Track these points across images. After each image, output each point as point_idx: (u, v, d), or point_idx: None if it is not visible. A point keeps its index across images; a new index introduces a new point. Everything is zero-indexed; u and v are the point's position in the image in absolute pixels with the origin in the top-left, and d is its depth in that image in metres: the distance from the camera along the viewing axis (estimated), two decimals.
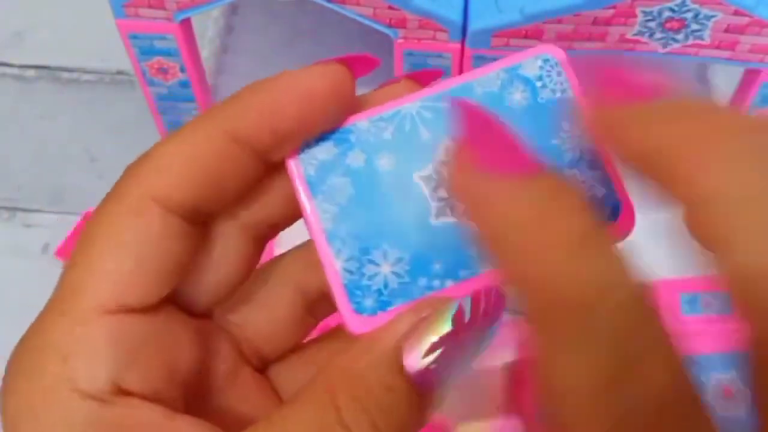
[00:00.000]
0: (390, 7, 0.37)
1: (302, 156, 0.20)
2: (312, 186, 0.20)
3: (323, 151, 0.21)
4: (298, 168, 0.20)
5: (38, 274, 0.49)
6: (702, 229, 0.14)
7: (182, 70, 0.43)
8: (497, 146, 0.16)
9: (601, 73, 0.17)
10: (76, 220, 0.48)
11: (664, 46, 0.37)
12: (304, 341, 0.24)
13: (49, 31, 0.59)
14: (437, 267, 0.20)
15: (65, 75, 0.57)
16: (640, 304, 0.14)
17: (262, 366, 0.23)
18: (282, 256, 0.23)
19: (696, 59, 0.38)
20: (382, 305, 0.19)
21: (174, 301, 0.20)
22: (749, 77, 0.40)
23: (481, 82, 0.21)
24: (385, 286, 0.20)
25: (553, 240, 0.14)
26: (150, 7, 0.40)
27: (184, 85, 0.44)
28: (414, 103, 0.21)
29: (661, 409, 0.13)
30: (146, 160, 0.19)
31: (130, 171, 0.19)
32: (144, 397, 0.18)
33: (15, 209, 0.52)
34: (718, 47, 0.37)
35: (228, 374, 0.22)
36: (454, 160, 0.16)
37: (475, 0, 0.38)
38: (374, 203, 0.20)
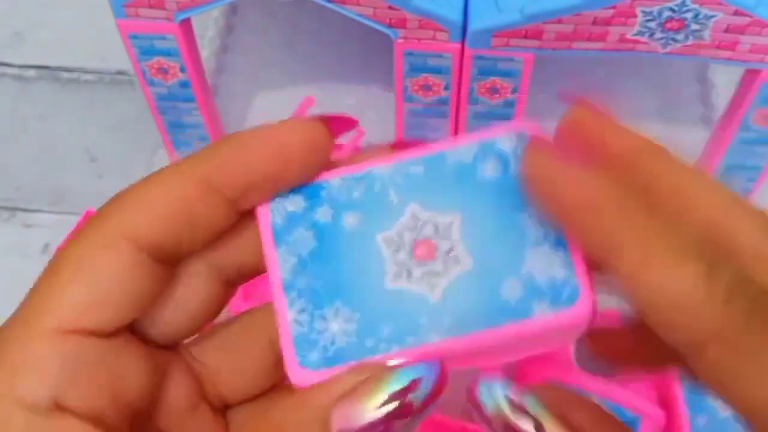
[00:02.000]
0: (390, 7, 0.37)
1: (273, 205, 0.21)
2: (277, 235, 0.21)
3: (293, 203, 0.21)
4: (266, 216, 0.21)
5: (38, 274, 0.49)
6: None
7: (182, 70, 0.43)
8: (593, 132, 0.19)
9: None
10: (76, 220, 0.48)
11: (664, 46, 0.37)
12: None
13: (49, 31, 0.59)
14: (386, 330, 0.20)
15: (65, 75, 0.57)
16: None
17: (223, 407, 0.23)
18: (259, 308, 0.24)
19: (696, 59, 0.38)
20: (327, 361, 0.20)
21: (135, 330, 0.21)
22: (749, 77, 0.40)
23: (456, 152, 0.21)
24: (332, 342, 0.20)
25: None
26: (150, 7, 0.40)
27: (184, 85, 0.44)
28: (388, 166, 0.21)
29: None
30: (120, 199, 0.20)
31: (104, 209, 0.20)
32: (82, 416, 0.18)
33: (15, 209, 0.52)
34: (718, 47, 0.37)
35: (186, 408, 0.22)
36: (528, 150, 0.20)
37: (475, 0, 0.38)
38: (334, 259, 0.20)
